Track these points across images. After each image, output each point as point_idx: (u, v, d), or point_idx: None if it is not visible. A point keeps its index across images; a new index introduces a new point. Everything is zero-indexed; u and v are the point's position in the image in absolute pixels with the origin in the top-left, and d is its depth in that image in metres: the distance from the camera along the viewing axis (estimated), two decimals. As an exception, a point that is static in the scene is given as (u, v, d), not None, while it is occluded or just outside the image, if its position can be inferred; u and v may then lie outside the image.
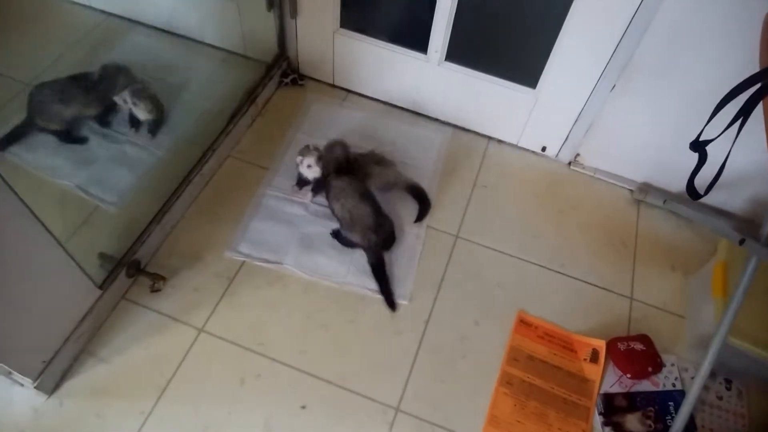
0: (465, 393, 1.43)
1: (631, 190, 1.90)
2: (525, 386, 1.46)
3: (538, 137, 1.93)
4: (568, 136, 1.87)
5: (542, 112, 1.83)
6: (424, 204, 1.74)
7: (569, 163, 1.95)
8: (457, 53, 1.80)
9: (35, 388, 1.29)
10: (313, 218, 1.70)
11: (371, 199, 1.61)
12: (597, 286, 1.66)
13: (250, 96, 1.91)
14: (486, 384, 1.45)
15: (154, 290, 1.51)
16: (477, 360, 1.48)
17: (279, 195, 1.74)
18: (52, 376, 1.33)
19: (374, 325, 1.52)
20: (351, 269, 1.60)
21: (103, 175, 1.70)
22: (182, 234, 1.64)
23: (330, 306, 1.54)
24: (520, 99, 1.82)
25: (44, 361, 1.30)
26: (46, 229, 1.16)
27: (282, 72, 2.04)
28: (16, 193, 1.06)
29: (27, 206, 1.09)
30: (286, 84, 2.04)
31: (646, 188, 1.87)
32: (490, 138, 2.00)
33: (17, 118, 1.73)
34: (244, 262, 1.60)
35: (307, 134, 1.91)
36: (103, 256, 1.48)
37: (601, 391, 1.47)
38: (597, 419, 1.42)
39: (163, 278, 1.52)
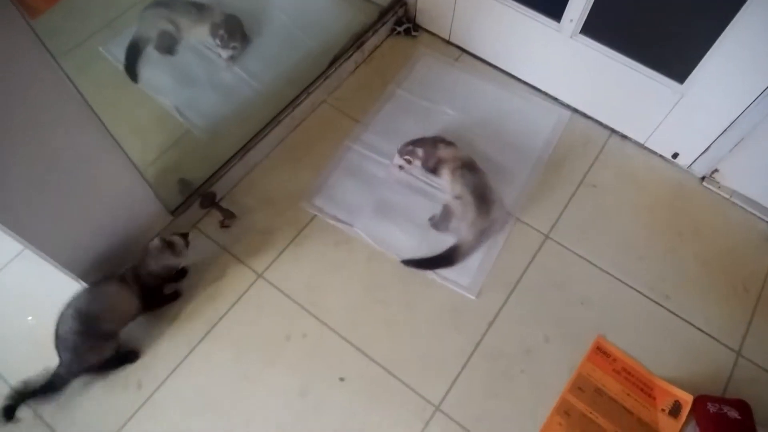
0: (515, 411, 1.30)
1: (772, 225, 1.58)
2: (584, 421, 1.30)
3: (671, 141, 1.64)
4: (709, 147, 1.56)
5: (685, 112, 1.54)
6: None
7: (702, 178, 1.65)
8: (595, 26, 1.54)
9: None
10: (395, 183, 1.59)
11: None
12: (700, 330, 1.42)
13: (357, 40, 1.79)
14: (541, 407, 1.30)
15: (224, 226, 1.50)
16: (537, 379, 1.34)
17: (364, 152, 1.64)
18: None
19: (433, 314, 1.41)
20: (422, 247, 1.49)
21: (200, 98, 1.69)
22: (262, 175, 1.61)
23: (392, 283, 1.45)
24: (661, 93, 1.54)
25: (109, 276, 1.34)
26: (128, 157, 1.16)
27: (396, 19, 1.88)
28: (103, 124, 1.06)
29: (112, 136, 1.09)
30: (398, 33, 1.89)
31: (793, 227, 1.54)
32: (613, 131, 1.74)
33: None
34: (315, 216, 1.54)
35: (408, 91, 1.76)
36: (183, 181, 1.49)
37: (674, 449, 1.27)
38: (660, 478, 1.24)
39: (234, 216, 1.50)
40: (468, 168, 1.45)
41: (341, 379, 1.32)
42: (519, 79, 1.82)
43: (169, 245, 1.29)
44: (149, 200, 1.32)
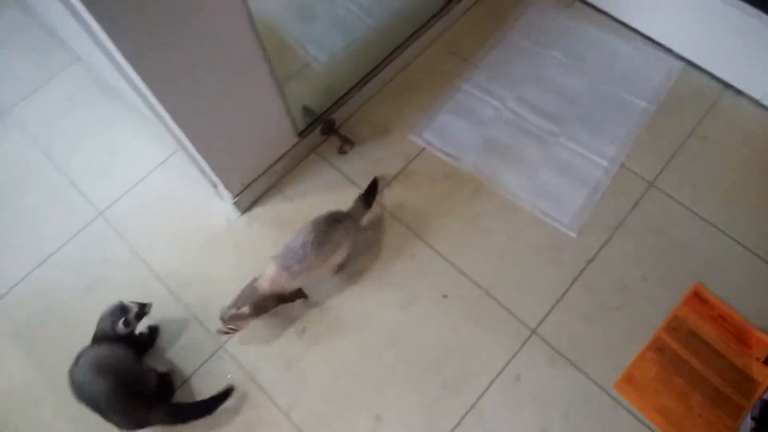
0: (609, 342, 1.37)
1: None
2: (676, 360, 1.35)
3: (792, 98, 1.60)
4: (835, 106, 1.51)
5: (813, 68, 1.49)
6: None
7: (822, 139, 1.60)
8: (724, -27, 1.50)
9: (233, 204, 1.51)
10: (503, 124, 1.65)
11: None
12: (804, 287, 1.42)
13: (473, -18, 1.82)
14: (634, 342, 1.36)
15: (341, 152, 1.62)
16: (633, 315, 1.39)
17: (474, 92, 1.70)
18: (247, 199, 1.54)
19: (535, 247, 1.48)
20: (529, 185, 1.55)
21: (321, 34, 1.79)
22: (376, 107, 1.70)
23: (496, 215, 1.53)
24: (788, 46, 1.49)
25: (243, 184, 1.49)
26: (273, 71, 1.27)
27: (514, -38, 1.89)
28: (259, 36, 1.17)
29: (264, 50, 1.21)
30: (514, -24, 1.90)
31: None
32: (727, 85, 1.70)
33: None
34: (424, 148, 1.63)
35: (519, 35, 1.79)
36: (306, 108, 1.61)
37: (764, 397, 1.30)
38: (747, 423, 1.28)
39: (352, 143, 1.61)
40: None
41: (444, 296, 1.43)
42: (632, 28, 1.79)
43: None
44: (283, 118, 1.45)
